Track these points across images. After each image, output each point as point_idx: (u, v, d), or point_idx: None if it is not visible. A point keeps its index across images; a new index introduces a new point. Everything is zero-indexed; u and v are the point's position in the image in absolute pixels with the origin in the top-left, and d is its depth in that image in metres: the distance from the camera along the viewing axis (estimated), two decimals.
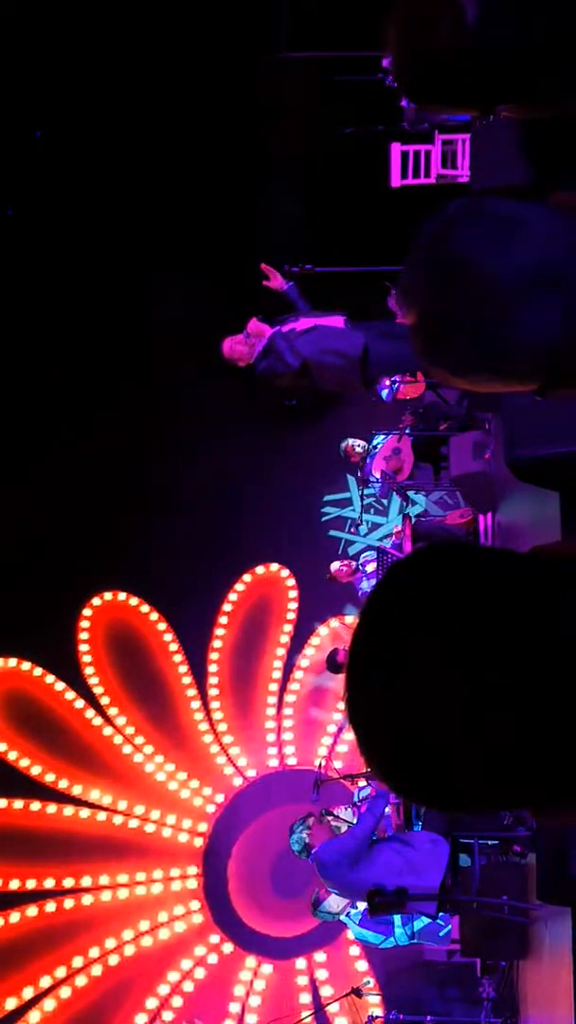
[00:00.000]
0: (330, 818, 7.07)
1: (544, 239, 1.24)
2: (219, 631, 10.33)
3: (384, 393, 8.78)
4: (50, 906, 9.50)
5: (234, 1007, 9.12)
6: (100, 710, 10.07)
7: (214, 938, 9.45)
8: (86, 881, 9.57)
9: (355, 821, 6.96)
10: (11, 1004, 9.21)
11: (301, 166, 10.16)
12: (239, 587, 10.45)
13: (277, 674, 10.17)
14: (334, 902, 6.97)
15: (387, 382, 8.68)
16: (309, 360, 6.59)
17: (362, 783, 7.81)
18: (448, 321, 1.24)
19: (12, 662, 10.20)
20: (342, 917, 6.91)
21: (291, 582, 10.42)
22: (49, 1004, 9.23)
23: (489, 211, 1.26)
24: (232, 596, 10.42)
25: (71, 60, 9.90)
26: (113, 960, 9.37)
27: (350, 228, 9.42)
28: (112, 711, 10.07)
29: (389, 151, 9.27)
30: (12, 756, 9.91)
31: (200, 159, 10.19)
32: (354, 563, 9.23)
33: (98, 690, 10.13)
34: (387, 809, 6.93)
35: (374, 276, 7.36)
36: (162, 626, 10.34)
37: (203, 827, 9.77)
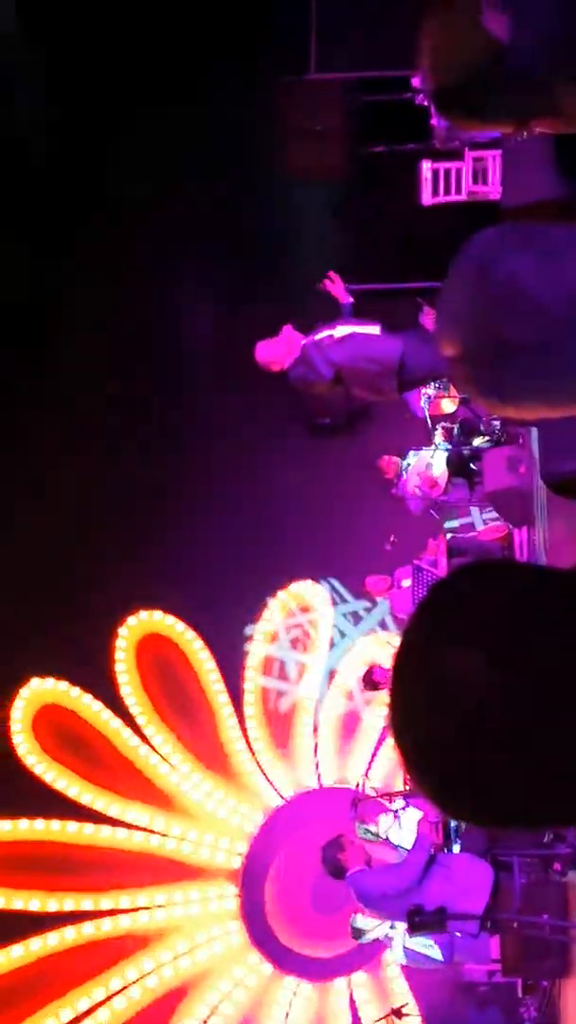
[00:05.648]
0: (366, 831, 7.01)
1: None
2: (255, 648, 10.31)
3: (420, 404, 8.77)
4: (88, 928, 9.49)
5: None
6: (136, 729, 10.07)
7: (253, 959, 9.41)
8: (124, 902, 9.55)
9: (391, 830, 6.89)
10: None
11: (332, 186, 10.18)
12: (275, 604, 10.44)
13: (315, 692, 10.14)
14: (371, 924, 6.91)
15: (421, 396, 8.65)
16: (343, 367, 6.59)
17: (399, 802, 7.75)
18: (501, 350, 1.22)
19: (49, 682, 10.23)
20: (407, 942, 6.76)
21: (327, 599, 10.39)
22: None
23: (536, 236, 1.24)
24: (267, 614, 10.41)
25: (78, 77, 9.97)
26: (152, 982, 9.34)
27: (382, 246, 9.43)
28: (148, 730, 10.06)
29: (419, 169, 9.29)
30: (49, 777, 9.92)
31: (229, 179, 10.24)
32: (390, 579, 9.21)
33: (135, 710, 10.13)
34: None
35: (407, 293, 7.34)
36: (198, 644, 10.33)
37: (241, 847, 9.74)
